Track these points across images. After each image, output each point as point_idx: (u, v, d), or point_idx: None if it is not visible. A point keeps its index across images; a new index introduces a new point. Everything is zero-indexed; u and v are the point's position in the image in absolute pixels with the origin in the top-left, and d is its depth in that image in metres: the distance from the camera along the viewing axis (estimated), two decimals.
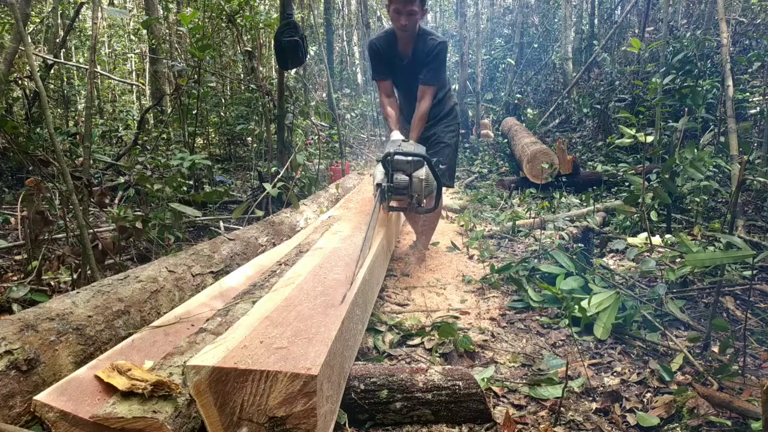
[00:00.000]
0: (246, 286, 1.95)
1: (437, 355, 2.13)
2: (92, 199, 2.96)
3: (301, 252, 2.31)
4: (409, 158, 2.61)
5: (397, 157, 2.58)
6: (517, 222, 4.30)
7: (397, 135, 3.03)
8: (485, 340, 2.31)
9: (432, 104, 3.12)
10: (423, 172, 2.65)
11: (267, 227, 3.15)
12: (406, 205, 2.78)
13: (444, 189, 3.05)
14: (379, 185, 2.63)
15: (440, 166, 2.92)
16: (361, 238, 2.31)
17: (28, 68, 6.19)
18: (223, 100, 8.48)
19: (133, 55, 13.03)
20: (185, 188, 3.83)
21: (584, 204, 5.03)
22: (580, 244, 3.34)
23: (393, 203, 2.78)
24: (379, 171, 2.66)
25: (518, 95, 12.08)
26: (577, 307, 2.37)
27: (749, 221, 3.91)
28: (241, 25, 5.62)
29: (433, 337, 2.28)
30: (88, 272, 2.43)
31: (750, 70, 6.27)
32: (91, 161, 3.92)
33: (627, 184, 4.79)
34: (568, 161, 5.98)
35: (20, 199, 2.74)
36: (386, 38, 3.13)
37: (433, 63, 3.01)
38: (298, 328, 1.45)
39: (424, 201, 2.77)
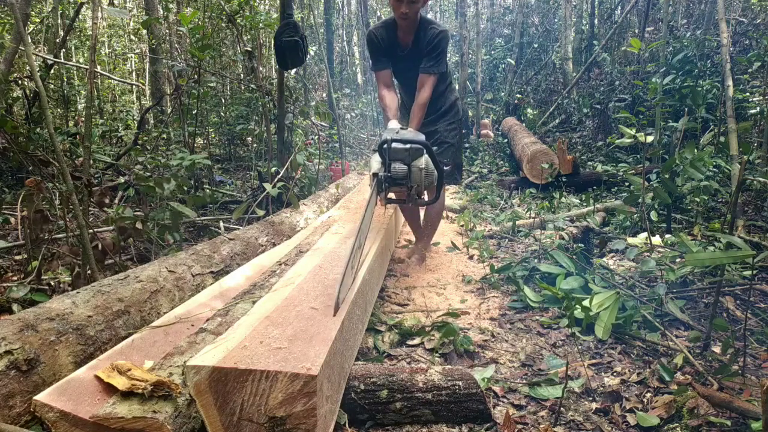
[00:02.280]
0: (246, 286, 1.95)
1: (437, 355, 2.13)
2: (92, 199, 2.96)
3: (301, 252, 2.31)
4: (408, 146, 2.41)
5: (394, 145, 2.39)
6: (517, 222, 4.30)
7: (394, 123, 2.84)
8: (485, 340, 2.31)
9: (432, 96, 2.99)
10: (422, 161, 2.46)
11: (267, 227, 3.15)
12: (405, 197, 2.60)
13: (448, 186, 2.96)
14: (375, 175, 2.42)
15: (445, 168, 2.77)
16: (362, 239, 2.30)
17: (28, 68, 6.19)
18: (223, 100, 8.48)
19: (133, 55, 13.02)
20: (185, 188, 3.83)
21: (584, 204, 5.03)
22: (580, 244, 3.34)
23: (391, 195, 2.59)
24: (376, 160, 2.47)
25: (518, 95, 12.07)
26: (579, 306, 2.37)
27: (749, 221, 3.91)
28: (241, 25, 5.62)
29: (433, 337, 2.28)
30: (88, 272, 2.43)
31: (750, 70, 6.27)
32: (91, 161, 3.92)
33: (627, 184, 4.79)
34: (568, 161, 5.97)
35: (20, 199, 2.74)
36: (386, 27, 3.04)
37: (434, 52, 2.92)
38: (298, 328, 1.45)
39: (425, 193, 2.64)
